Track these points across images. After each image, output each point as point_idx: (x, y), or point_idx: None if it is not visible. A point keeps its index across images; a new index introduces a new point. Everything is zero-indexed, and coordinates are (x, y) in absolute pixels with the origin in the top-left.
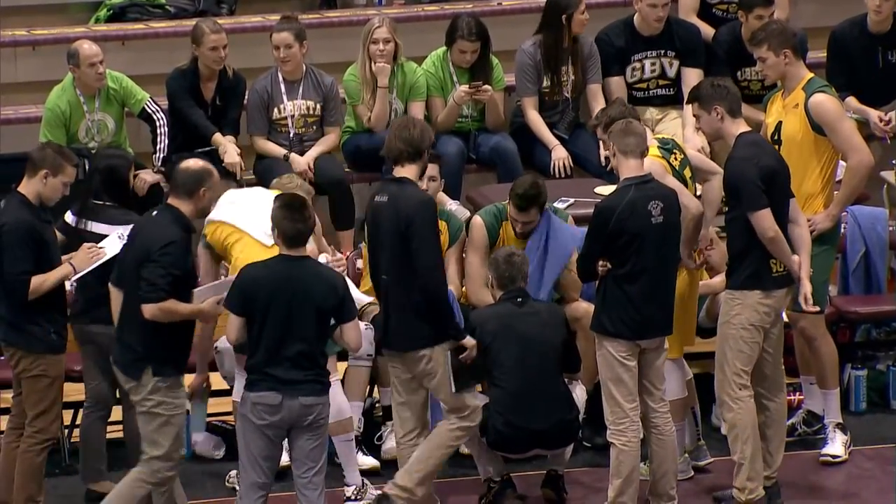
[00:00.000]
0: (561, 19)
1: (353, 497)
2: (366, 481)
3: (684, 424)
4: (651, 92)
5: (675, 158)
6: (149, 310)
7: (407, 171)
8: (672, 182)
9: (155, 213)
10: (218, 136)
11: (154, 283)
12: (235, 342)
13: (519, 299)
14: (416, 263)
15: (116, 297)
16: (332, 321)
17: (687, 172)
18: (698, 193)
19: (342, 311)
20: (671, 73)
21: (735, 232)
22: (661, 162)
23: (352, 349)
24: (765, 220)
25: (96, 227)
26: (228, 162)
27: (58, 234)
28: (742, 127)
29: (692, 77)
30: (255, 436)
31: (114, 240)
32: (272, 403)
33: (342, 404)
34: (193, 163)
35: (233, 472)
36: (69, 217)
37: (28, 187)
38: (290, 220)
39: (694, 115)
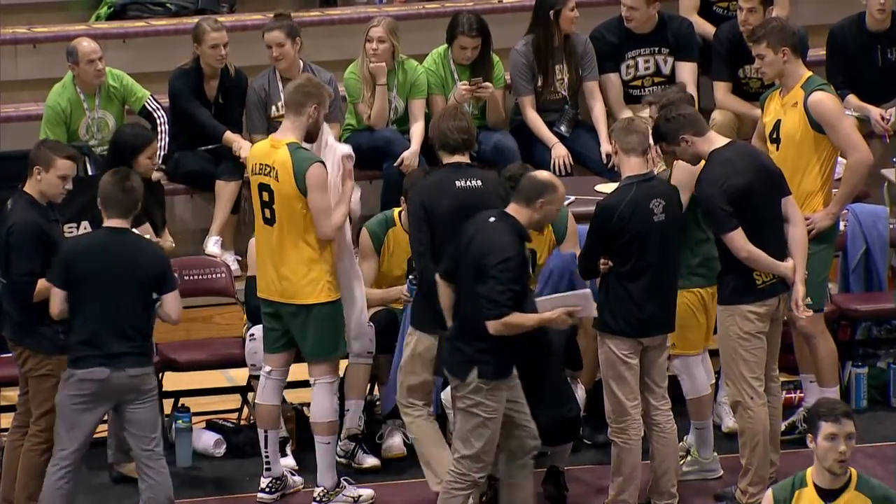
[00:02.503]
0: (549, 16)
1: (318, 499)
2: (345, 481)
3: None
4: (646, 90)
5: None
6: (493, 326)
7: (466, 157)
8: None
9: (492, 218)
10: (230, 135)
11: (494, 301)
12: (59, 316)
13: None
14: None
15: (445, 291)
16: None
17: None
18: None
19: (164, 281)
20: (666, 70)
21: (720, 246)
22: None
23: (172, 321)
24: (735, 241)
25: None
26: (245, 157)
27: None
28: (715, 141)
29: (686, 71)
30: (78, 409)
31: None
32: (100, 378)
33: (334, 405)
34: (541, 173)
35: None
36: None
37: (30, 186)
38: (121, 190)
39: (668, 154)
